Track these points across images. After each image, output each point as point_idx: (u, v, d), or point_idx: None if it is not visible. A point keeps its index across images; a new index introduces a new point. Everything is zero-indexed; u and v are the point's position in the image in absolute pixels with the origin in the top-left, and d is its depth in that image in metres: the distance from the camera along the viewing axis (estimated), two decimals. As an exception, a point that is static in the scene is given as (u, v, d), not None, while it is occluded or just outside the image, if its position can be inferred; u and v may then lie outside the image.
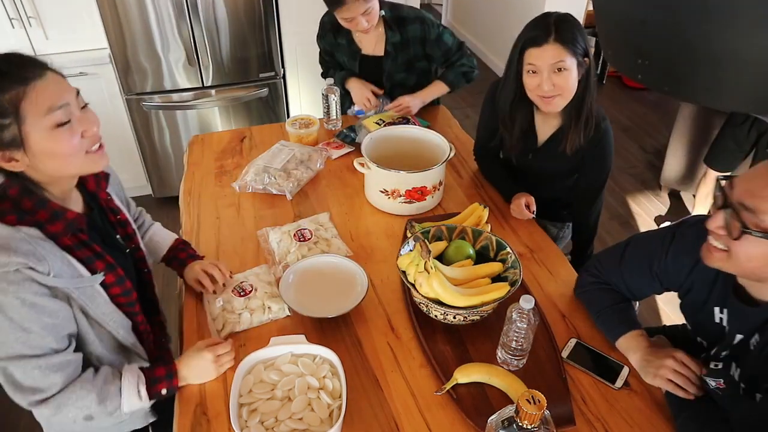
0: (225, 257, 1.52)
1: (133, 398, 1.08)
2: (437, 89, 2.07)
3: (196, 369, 1.16)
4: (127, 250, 1.21)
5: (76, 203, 1.09)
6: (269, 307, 1.33)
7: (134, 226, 1.26)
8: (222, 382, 1.20)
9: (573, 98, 1.51)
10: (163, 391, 1.12)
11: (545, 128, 1.66)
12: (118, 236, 1.19)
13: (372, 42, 2.02)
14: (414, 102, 2.02)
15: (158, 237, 1.43)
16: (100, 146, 1.02)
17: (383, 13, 1.93)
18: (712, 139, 2.80)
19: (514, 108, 1.61)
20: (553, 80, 1.46)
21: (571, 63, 1.44)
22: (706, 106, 2.86)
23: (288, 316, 1.33)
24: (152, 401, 1.12)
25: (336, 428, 1.02)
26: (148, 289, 1.30)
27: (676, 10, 0.54)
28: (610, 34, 0.66)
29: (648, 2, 0.56)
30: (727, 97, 0.57)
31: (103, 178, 1.16)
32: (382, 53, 2.03)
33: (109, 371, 1.09)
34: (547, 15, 1.47)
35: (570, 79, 1.46)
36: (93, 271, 1.04)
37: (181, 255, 1.42)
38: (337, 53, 2.12)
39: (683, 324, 1.57)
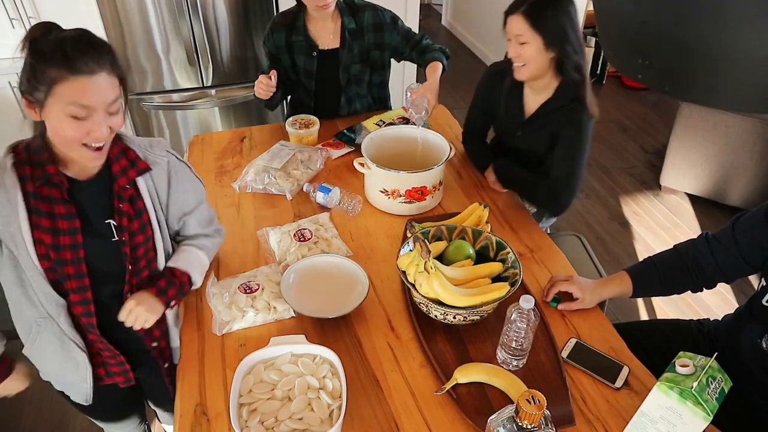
0: (225, 257, 1.52)
1: None
2: (436, 70, 1.92)
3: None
4: (113, 239, 1.17)
5: (83, 170, 1.13)
6: (274, 307, 1.33)
7: (145, 221, 1.21)
8: (222, 382, 1.20)
9: (564, 81, 1.62)
10: None
11: (533, 103, 1.73)
12: (110, 221, 1.16)
13: (328, 34, 2.00)
14: (435, 90, 1.85)
15: (181, 254, 1.32)
16: (102, 147, 1.07)
17: None
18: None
19: (508, 76, 1.71)
20: (518, 50, 1.58)
21: (533, 38, 1.54)
22: (706, 106, 2.86)
23: (293, 317, 1.33)
24: None
25: (336, 428, 1.01)
26: (128, 282, 1.21)
27: (676, 10, 0.53)
28: (610, 34, 0.66)
29: (648, 2, 0.56)
30: (728, 97, 0.57)
31: (133, 167, 1.17)
32: (337, 45, 2.02)
33: None
34: None
35: (530, 53, 1.56)
36: (36, 224, 1.08)
37: (160, 282, 1.24)
38: (283, 56, 2.04)
39: (675, 319, 1.58)
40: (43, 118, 1.04)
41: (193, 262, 1.31)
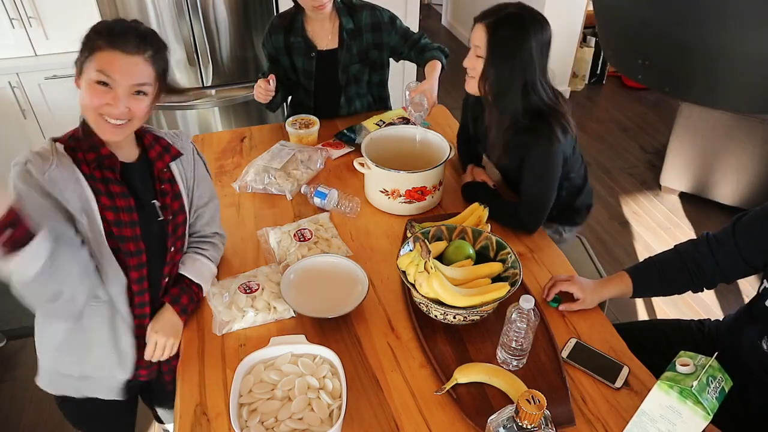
0: (225, 257, 1.52)
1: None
2: (435, 68, 1.91)
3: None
4: (160, 218, 1.24)
5: (128, 153, 1.20)
6: (274, 307, 1.33)
7: (183, 203, 1.29)
8: (222, 382, 1.20)
9: (498, 95, 1.51)
10: None
11: None
12: (155, 202, 1.23)
13: (326, 35, 2.00)
14: (434, 89, 1.86)
15: (196, 264, 1.35)
16: (120, 125, 1.12)
17: None
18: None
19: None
20: (473, 62, 1.52)
21: (485, 54, 1.47)
22: (707, 106, 2.86)
23: (293, 317, 1.34)
24: None
25: (336, 428, 1.01)
26: (168, 263, 1.28)
27: (676, 9, 0.53)
28: (610, 34, 0.66)
29: (648, 2, 0.56)
30: (728, 97, 0.57)
31: (167, 152, 1.25)
32: (336, 45, 2.01)
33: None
34: (508, 4, 1.47)
35: (481, 66, 1.50)
36: (98, 202, 1.12)
37: (173, 290, 1.30)
38: (282, 57, 2.05)
39: (676, 319, 1.58)
40: (80, 85, 1.10)
41: (206, 274, 1.37)
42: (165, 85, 1.21)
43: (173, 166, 1.27)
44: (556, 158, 1.53)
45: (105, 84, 1.08)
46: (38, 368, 1.31)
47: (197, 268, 1.35)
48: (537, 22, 1.44)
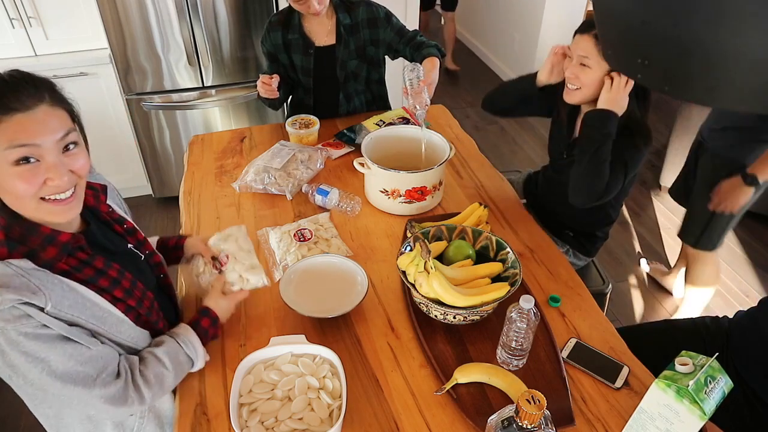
0: (225, 257, 1.52)
1: (200, 360, 1.17)
2: (435, 65, 1.88)
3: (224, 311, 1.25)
4: (143, 257, 1.20)
5: (70, 224, 1.03)
6: (247, 279, 1.30)
7: (138, 230, 1.24)
8: (222, 382, 1.20)
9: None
10: (213, 336, 1.23)
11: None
12: (130, 246, 1.18)
13: (324, 31, 2.01)
14: (434, 85, 1.83)
15: None
16: (71, 197, 0.96)
17: None
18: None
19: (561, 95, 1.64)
20: (576, 71, 1.50)
21: (596, 64, 1.46)
22: (706, 106, 2.85)
23: (266, 285, 1.30)
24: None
25: (336, 428, 1.02)
26: (167, 291, 1.30)
27: (676, 9, 0.53)
28: (610, 34, 0.66)
29: (648, 2, 0.56)
30: (728, 97, 0.57)
31: (101, 191, 1.14)
32: (333, 42, 2.02)
33: (171, 346, 1.12)
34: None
35: (590, 78, 1.48)
36: (99, 290, 1.01)
37: (170, 243, 1.38)
38: (281, 54, 2.05)
39: (690, 318, 1.58)
40: None
41: None
42: (81, 125, 1.00)
43: (109, 202, 1.17)
44: (639, 158, 1.55)
45: (28, 160, 0.87)
46: None
47: None
48: None
